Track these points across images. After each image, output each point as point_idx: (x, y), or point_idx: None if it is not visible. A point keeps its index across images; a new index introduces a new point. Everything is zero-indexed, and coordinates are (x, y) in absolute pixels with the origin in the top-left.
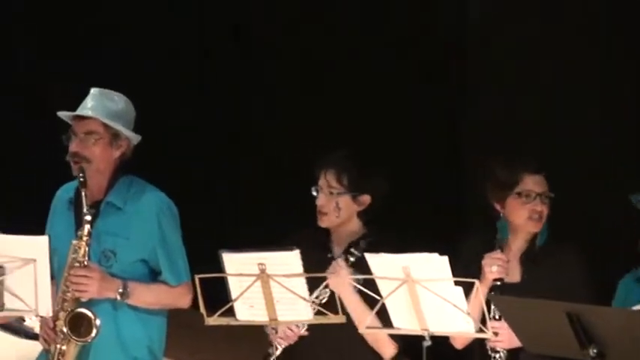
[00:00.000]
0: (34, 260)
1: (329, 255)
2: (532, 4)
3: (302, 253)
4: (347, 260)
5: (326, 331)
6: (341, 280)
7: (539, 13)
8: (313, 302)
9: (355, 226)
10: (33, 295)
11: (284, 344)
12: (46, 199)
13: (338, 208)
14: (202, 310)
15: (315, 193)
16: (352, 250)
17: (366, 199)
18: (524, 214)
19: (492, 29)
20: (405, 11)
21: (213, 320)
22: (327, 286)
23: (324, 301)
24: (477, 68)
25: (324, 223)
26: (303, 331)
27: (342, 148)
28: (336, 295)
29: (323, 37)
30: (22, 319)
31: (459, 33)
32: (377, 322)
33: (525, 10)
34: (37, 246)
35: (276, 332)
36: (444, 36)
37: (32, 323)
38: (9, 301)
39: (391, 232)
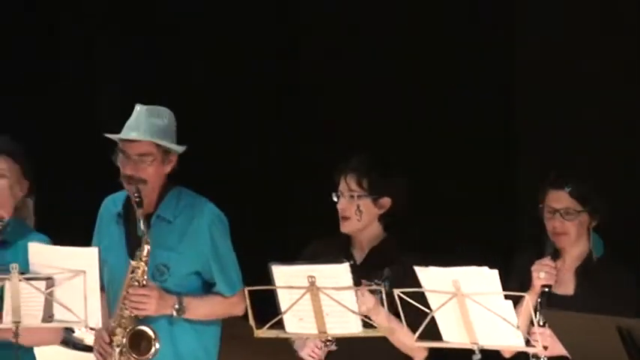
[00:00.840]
0: (84, 272)
1: (351, 262)
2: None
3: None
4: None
5: (351, 342)
6: (372, 309)
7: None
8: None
9: (376, 230)
10: (82, 306)
11: None
12: (94, 210)
13: (359, 211)
14: (252, 322)
15: (335, 199)
16: (376, 281)
17: (386, 201)
18: (549, 229)
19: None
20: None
21: (263, 332)
22: None
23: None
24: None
25: (346, 228)
26: (332, 347)
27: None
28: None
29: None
30: (72, 331)
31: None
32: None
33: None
34: (86, 258)
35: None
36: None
37: (81, 334)
38: (59, 313)
39: (413, 236)
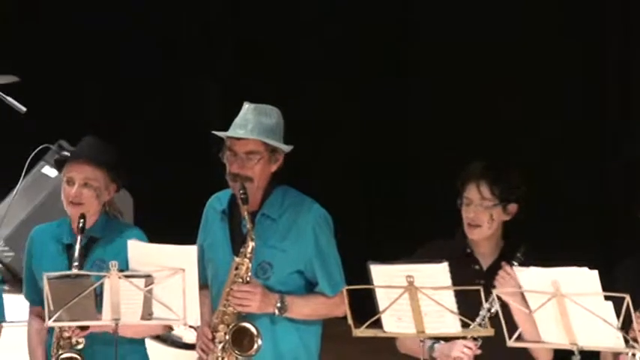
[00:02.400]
0: (183, 270)
1: (476, 267)
2: None
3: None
4: (511, 266)
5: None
6: (511, 287)
7: None
8: (461, 315)
9: (499, 235)
10: (181, 304)
11: None
12: (195, 207)
13: (492, 219)
14: (350, 321)
15: (460, 205)
16: (518, 255)
17: (514, 208)
18: None
19: None
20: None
21: (361, 332)
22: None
23: (493, 312)
24: None
25: (475, 235)
26: (477, 350)
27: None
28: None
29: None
30: (171, 328)
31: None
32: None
33: None
34: (185, 256)
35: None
36: None
37: (180, 332)
38: (158, 310)
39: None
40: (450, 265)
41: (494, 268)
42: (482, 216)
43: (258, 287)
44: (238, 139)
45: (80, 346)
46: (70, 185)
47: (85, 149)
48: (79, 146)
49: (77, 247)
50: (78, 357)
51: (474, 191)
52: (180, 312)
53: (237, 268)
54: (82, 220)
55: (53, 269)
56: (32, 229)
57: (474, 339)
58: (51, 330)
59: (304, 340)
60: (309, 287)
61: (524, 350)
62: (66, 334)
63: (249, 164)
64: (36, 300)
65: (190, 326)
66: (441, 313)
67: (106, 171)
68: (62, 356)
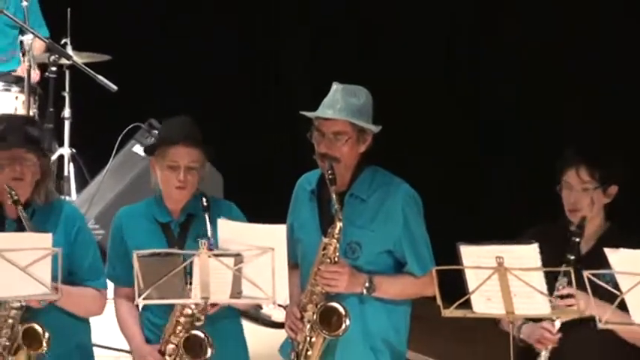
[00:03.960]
0: (272, 249)
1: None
2: None
3: (540, 248)
4: None
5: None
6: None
7: None
8: (552, 297)
9: (601, 219)
10: (270, 283)
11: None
12: (284, 187)
13: (592, 203)
14: (439, 301)
15: (560, 191)
16: None
17: (613, 190)
18: None
19: None
20: None
21: (450, 312)
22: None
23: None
24: None
25: (577, 219)
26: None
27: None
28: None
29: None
30: (260, 307)
31: None
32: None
33: None
34: (275, 235)
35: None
36: None
37: (269, 311)
38: (247, 289)
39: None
40: (553, 248)
41: (593, 251)
42: (582, 200)
43: (346, 267)
44: (326, 119)
45: (200, 323)
46: (174, 170)
47: (179, 131)
48: (170, 128)
49: (173, 229)
50: (202, 334)
51: (573, 176)
52: (270, 291)
53: (324, 249)
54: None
55: (152, 247)
56: (119, 210)
57: (552, 321)
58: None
59: (393, 320)
60: (398, 267)
61: (613, 335)
62: (188, 312)
63: (336, 145)
64: (123, 279)
65: (279, 305)
66: (531, 294)
67: (202, 149)
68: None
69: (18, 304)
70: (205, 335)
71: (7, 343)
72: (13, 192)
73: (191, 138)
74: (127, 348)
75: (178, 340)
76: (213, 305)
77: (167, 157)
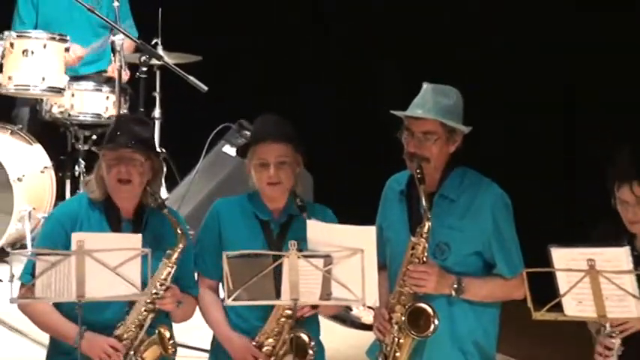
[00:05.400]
0: (362, 250)
1: (635, 253)
2: None
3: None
4: None
5: None
6: None
7: None
8: None
9: None
10: (360, 284)
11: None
12: (373, 187)
13: None
14: (530, 304)
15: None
16: None
17: None
18: None
19: None
20: None
21: (541, 315)
22: None
23: None
24: None
25: (636, 229)
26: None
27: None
28: None
29: None
30: (349, 309)
31: None
32: None
33: None
34: (365, 236)
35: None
36: None
37: (359, 313)
38: (337, 291)
39: None
40: None
41: None
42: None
43: (435, 267)
44: (416, 118)
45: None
46: (264, 167)
47: (268, 128)
48: (260, 126)
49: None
50: (305, 336)
51: (627, 192)
52: (359, 292)
53: (413, 248)
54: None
55: (250, 245)
56: (216, 201)
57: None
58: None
59: (482, 322)
60: (487, 270)
61: None
62: (287, 313)
63: (426, 144)
64: (211, 272)
65: (369, 307)
66: (623, 297)
67: (292, 145)
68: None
69: (151, 307)
70: (309, 337)
71: (131, 344)
72: (157, 196)
73: (278, 134)
74: (205, 347)
75: (283, 339)
76: (314, 307)
77: (257, 154)
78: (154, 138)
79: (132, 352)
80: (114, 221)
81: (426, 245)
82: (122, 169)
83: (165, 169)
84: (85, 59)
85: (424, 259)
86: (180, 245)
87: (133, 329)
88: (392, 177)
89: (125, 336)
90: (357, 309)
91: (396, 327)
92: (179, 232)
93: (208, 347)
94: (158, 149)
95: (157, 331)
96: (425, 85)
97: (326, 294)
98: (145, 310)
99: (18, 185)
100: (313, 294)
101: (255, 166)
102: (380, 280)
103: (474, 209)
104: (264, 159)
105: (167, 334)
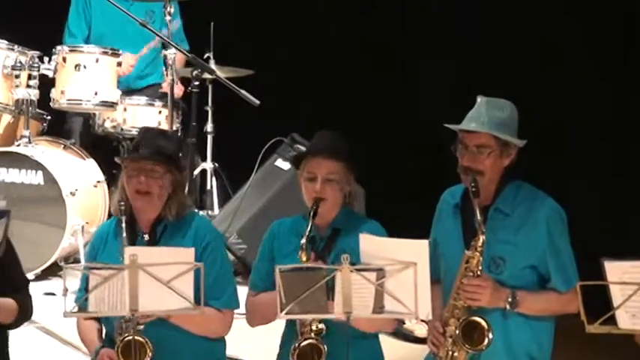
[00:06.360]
0: (415, 264)
1: None
2: None
3: None
4: None
5: None
6: None
7: None
8: None
9: None
10: (413, 298)
11: None
12: (427, 200)
13: None
14: (583, 317)
15: None
16: None
17: None
18: None
19: None
20: None
21: (595, 328)
22: None
23: None
24: None
25: None
26: None
27: None
28: None
29: None
30: (402, 322)
31: None
32: None
33: None
34: (417, 249)
35: None
36: None
37: (411, 326)
38: (389, 304)
39: None
40: None
41: None
42: None
43: (489, 281)
44: (469, 132)
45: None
46: (312, 181)
47: (322, 143)
48: (316, 141)
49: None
50: (315, 341)
51: None
52: (412, 306)
53: (467, 262)
54: (315, 206)
55: (298, 261)
56: (271, 223)
57: None
58: None
59: (537, 335)
60: (542, 283)
61: None
62: (307, 321)
63: (479, 158)
64: (260, 287)
65: (422, 320)
66: None
67: (344, 163)
68: (302, 344)
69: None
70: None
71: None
72: None
73: (330, 150)
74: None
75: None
76: None
77: (307, 168)
78: (177, 152)
79: None
80: (130, 234)
81: (481, 259)
82: (141, 180)
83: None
84: (137, 73)
85: (478, 272)
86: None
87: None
88: (446, 190)
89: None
90: (410, 322)
91: (450, 340)
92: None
93: None
94: (211, 163)
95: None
96: (479, 99)
97: (379, 307)
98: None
99: (71, 200)
100: (366, 307)
101: (304, 180)
102: (434, 293)
103: (529, 223)
104: (312, 173)
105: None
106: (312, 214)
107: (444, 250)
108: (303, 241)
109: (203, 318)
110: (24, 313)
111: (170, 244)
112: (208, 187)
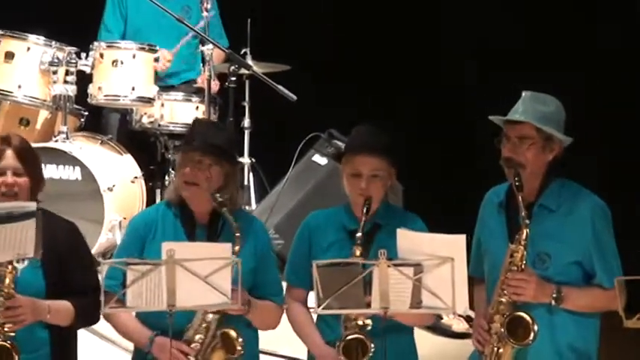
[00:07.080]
0: (452, 259)
1: None
2: None
3: None
4: None
5: None
6: None
7: None
8: None
9: None
10: (450, 293)
11: None
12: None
13: None
14: (621, 312)
15: None
16: None
17: None
18: None
19: None
20: None
21: (633, 323)
22: None
23: None
24: None
25: None
26: None
27: None
28: None
29: None
30: (440, 317)
31: None
32: None
33: None
34: (455, 245)
35: None
36: None
37: (449, 321)
38: (427, 299)
39: None
40: None
41: None
42: None
43: (533, 275)
44: (512, 123)
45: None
46: (357, 178)
47: (364, 138)
48: (358, 136)
49: (359, 234)
50: (363, 337)
51: None
52: (449, 301)
53: (512, 256)
54: (367, 204)
55: (337, 255)
56: (306, 215)
57: None
58: None
59: (582, 331)
60: (587, 279)
61: None
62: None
63: (520, 149)
64: (299, 281)
65: (459, 315)
66: None
67: (387, 158)
68: (348, 337)
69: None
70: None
71: (201, 347)
72: (218, 195)
73: (374, 147)
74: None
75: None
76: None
77: (351, 165)
78: (229, 144)
79: (199, 356)
80: (188, 226)
81: (525, 253)
82: (186, 172)
83: (248, 178)
84: (174, 69)
85: (522, 266)
86: (237, 247)
87: (201, 332)
88: (491, 189)
89: (196, 338)
90: (447, 317)
91: (495, 337)
92: (237, 235)
93: (296, 356)
94: (248, 159)
95: (219, 333)
96: (524, 93)
97: (416, 302)
98: (209, 313)
99: (108, 195)
100: (403, 302)
101: (348, 176)
102: (478, 292)
103: (574, 219)
104: (357, 170)
105: (233, 334)
106: (364, 211)
107: (488, 248)
108: (359, 234)
109: (269, 313)
110: (82, 317)
111: (234, 239)
112: (245, 183)
